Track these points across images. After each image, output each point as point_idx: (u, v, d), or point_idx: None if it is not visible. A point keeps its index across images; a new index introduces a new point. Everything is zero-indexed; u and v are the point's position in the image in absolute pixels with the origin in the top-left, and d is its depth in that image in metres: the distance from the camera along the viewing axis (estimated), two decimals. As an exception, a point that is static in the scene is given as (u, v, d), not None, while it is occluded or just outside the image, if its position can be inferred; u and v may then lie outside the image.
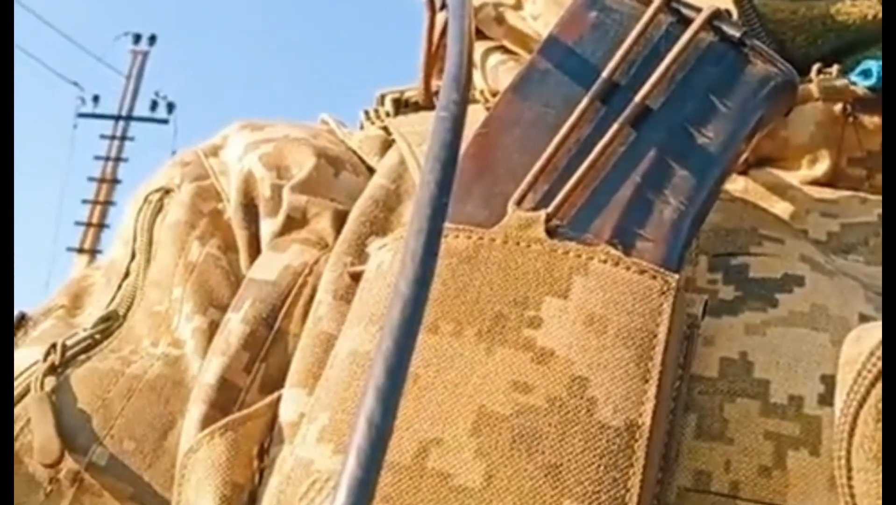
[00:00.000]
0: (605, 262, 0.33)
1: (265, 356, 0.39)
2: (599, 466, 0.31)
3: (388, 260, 0.36)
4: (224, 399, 0.38)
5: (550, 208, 0.35)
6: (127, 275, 0.45)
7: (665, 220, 0.34)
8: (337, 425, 0.33)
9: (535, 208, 0.35)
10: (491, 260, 0.34)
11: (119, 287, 0.45)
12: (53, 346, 0.42)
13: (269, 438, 0.37)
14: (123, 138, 11.37)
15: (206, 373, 0.39)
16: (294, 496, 0.33)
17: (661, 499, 0.32)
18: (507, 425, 0.31)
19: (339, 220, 0.43)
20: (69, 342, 0.42)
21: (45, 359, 0.41)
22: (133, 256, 0.46)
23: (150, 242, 0.46)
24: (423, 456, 0.31)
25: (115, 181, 11.11)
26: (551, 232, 0.34)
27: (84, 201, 10.98)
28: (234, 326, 0.40)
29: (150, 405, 0.40)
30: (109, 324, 0.43)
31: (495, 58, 0.46)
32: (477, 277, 0.34)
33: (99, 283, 0.47)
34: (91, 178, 11.10)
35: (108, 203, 10.97)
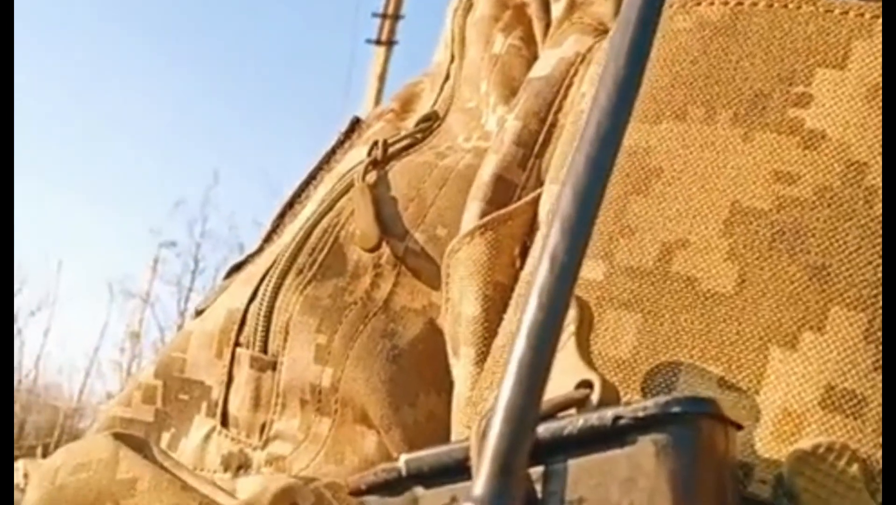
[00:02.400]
0: None
1: (539, 151, 0.38)
2: (878, 266, 0.25)
3: None
4: (500, 196, 0.38)
5: None
6: (447, 77, 0.46)
7: None
8: None
9: None
10: (751, 29, 0.29)
11: (441, 89, 0.46)
12: (376, 143, 0.43)
13: (532, 237, 0.36)
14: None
15: (482, 170, 0.39)
16: (516, 308, 0.30)
17: None
18: (766, 222, 0.26)
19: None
20: (391, 140, 0.44)
21: (368, 154, 0.43)
22: (452, 59, 0.47)
23: (462, 42, 0.46)
24: (666, 259, 0.27)
25: (409, -29, 11.22)
26: None
27: (380, -8, 11.21)
28: (509, 123, 0.39)
29: (461, 194, 0.40)
30: (430, 123, 0.45)
31: None
32: (734, 50, 0.28)
33: (426, 87, 0.48)
34: (387, -31, 11.30)
35: (403, -6, 11.12)
